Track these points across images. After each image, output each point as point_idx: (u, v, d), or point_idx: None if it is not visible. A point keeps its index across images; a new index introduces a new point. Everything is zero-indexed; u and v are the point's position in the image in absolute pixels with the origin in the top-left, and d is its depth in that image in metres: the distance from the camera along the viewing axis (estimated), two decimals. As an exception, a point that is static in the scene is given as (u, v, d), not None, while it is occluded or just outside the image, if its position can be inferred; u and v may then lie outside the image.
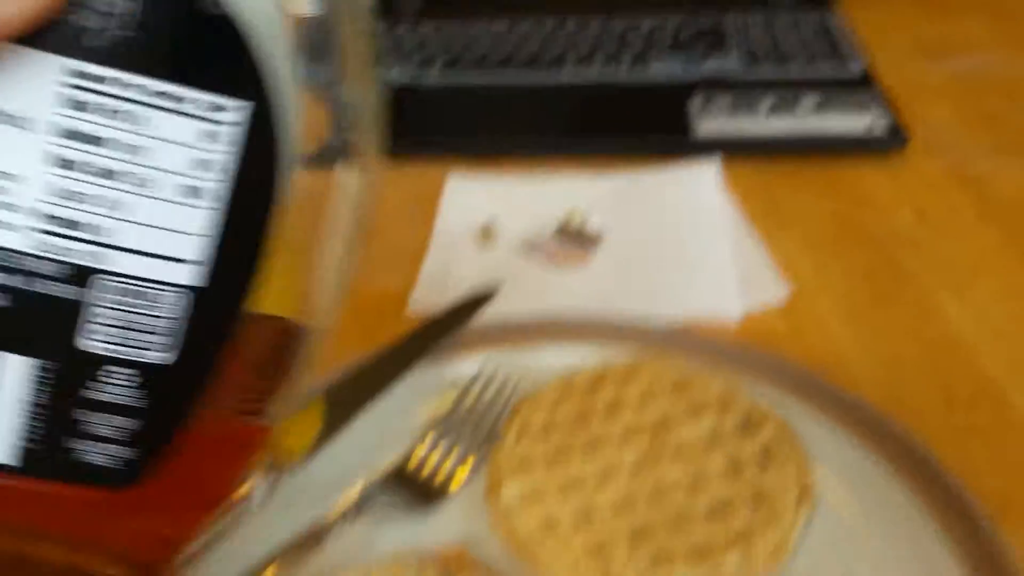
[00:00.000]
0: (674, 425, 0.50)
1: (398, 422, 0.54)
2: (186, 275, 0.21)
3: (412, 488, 0.50)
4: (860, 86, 0.91)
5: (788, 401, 0.51)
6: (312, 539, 0.44)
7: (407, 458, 0.52)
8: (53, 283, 0.20)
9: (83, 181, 0.20)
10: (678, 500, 0.46)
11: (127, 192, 0.20)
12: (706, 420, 0.50)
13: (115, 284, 0.20)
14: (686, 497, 0.46)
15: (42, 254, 0.20)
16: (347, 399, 0.53)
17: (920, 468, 0.46)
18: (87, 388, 0.20)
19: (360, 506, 0.47)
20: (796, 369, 0.53)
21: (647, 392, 0.52)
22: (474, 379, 0.56)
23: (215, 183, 0.21)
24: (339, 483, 0.49)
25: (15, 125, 0.20)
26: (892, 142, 0.83)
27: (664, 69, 0.95)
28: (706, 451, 0.48)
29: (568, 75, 0.96)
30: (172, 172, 0.20)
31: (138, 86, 0.20)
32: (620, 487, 0.46)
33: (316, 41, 0.23)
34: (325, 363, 0.61)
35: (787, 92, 0.88)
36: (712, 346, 0.56)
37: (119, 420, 0.21)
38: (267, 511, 0.47)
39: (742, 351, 0.55)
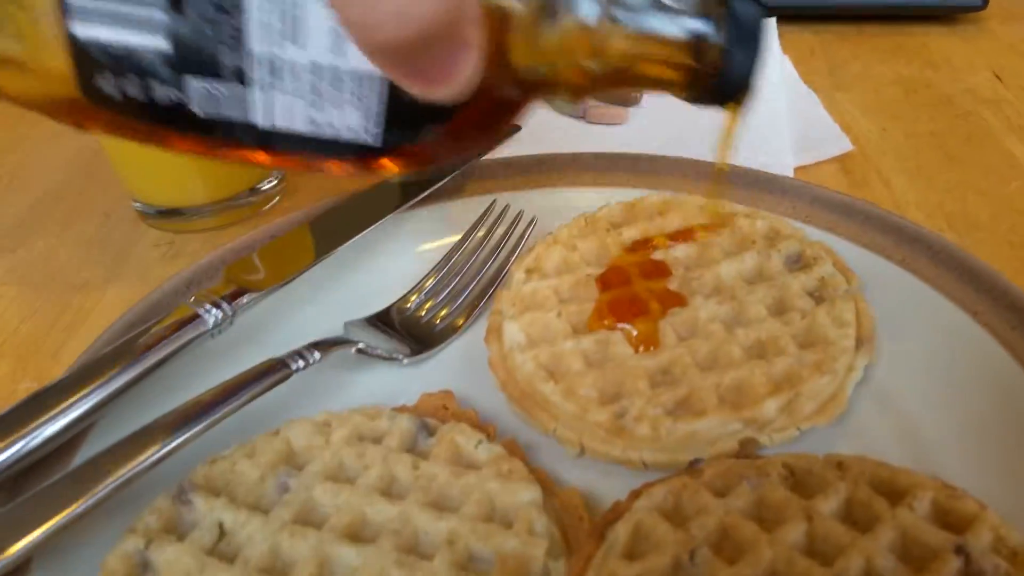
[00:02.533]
0: (711, 262, 0.42)
1: (399, 265, 0.47)
2: None
3: (405, 334, 0.43)
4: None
5: (845, 239, 0.44)
6: (268, 372, 0.37)
7: (403, 300, 0.45)
8: None
9: None
10: (711, 338, 0.38)
11: None
12: (749, 257, 0.42)
13: None
14: (721, 334, 0.38)
15: None
16: (333, 229, 0.46)
17: (1001, 306, 0.38)
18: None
19: (334, 346, 0.40)
20: (854, 202, 0.45)
21: (680, 228, 0.44)
22: (482, 218, 0.49)
23: None
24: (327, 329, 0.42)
25: None
26: (970, 5, 0.74)
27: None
28: (749, 288, 0.41)
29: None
30: None
31: None
32: (643, 326, 0.39)
33: None
34: (321, 192, 0.54)
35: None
36: (760, 181, 0.48)
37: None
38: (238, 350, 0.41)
39: (793, 185, 0.47)
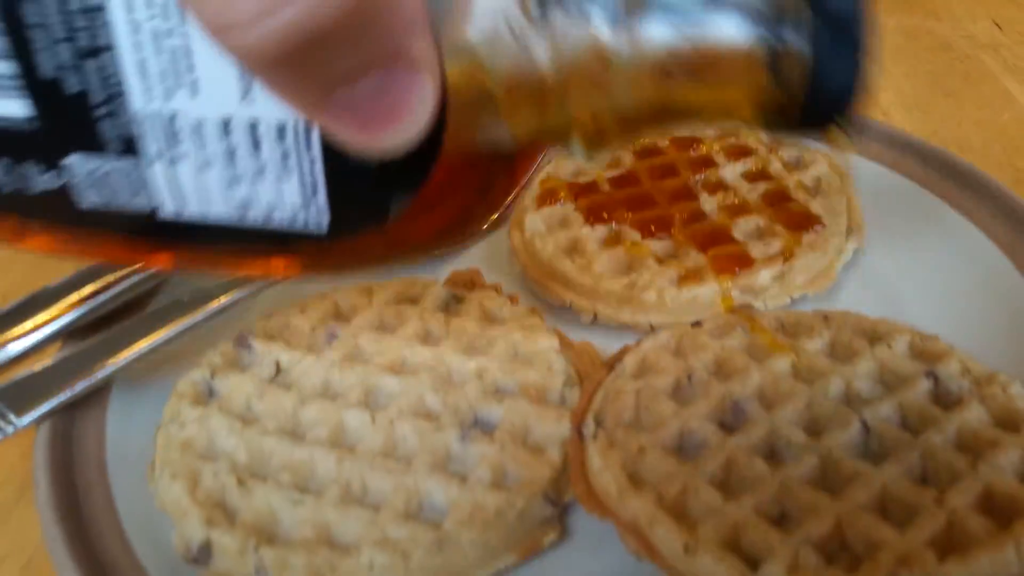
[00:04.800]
0: (714, 166, 0.46)
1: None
2: None
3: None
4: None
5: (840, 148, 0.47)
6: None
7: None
8: None
9: None
10: (715, 221, 0.42)
11: None
12: (751, 160, 0.46)
13: None
14: (724, 219, 0.42)
15: None
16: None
17: (985, 199, 0.42)
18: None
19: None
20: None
21: (686, 138, 0.48)
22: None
23: None
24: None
25: None
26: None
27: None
28: (751, 184, 0.45)
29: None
30: None
31: None
32: (652, 213, 0.43)
33: None
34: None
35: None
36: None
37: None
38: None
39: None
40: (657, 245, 0.42)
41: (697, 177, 0.45)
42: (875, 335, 0.35)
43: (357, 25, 0.15)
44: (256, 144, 0.19)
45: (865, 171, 0.46)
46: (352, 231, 0.21)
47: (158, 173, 0.20)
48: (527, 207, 0.45)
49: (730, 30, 0.20)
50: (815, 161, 0.45)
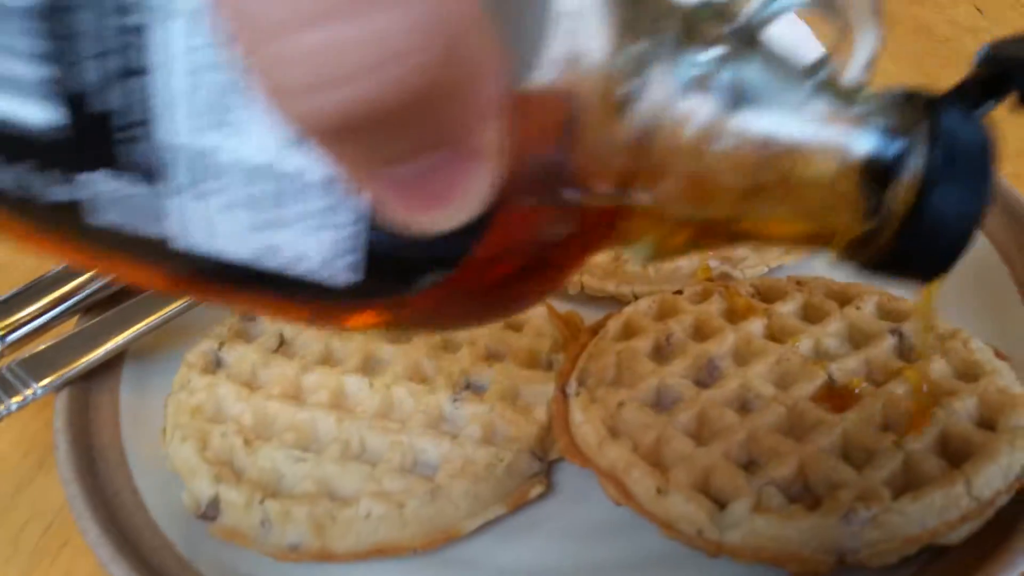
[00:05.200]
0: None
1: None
2: None
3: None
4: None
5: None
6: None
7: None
8: None
9: None
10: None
11: None
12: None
13: None
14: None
15: None
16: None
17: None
18: None
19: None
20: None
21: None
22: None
23: None
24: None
25: None
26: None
27: None
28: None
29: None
30: None
31: None
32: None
33: None
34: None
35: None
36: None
37: None
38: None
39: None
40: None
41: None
42: (845, 297, 0.36)
43: (423, 110, 0.13)
44: (295, 194, 0.18)
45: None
46: (374, 296, 0.20)
47: (178, 205, 0.18)
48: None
49: (844, 136, 0.18)
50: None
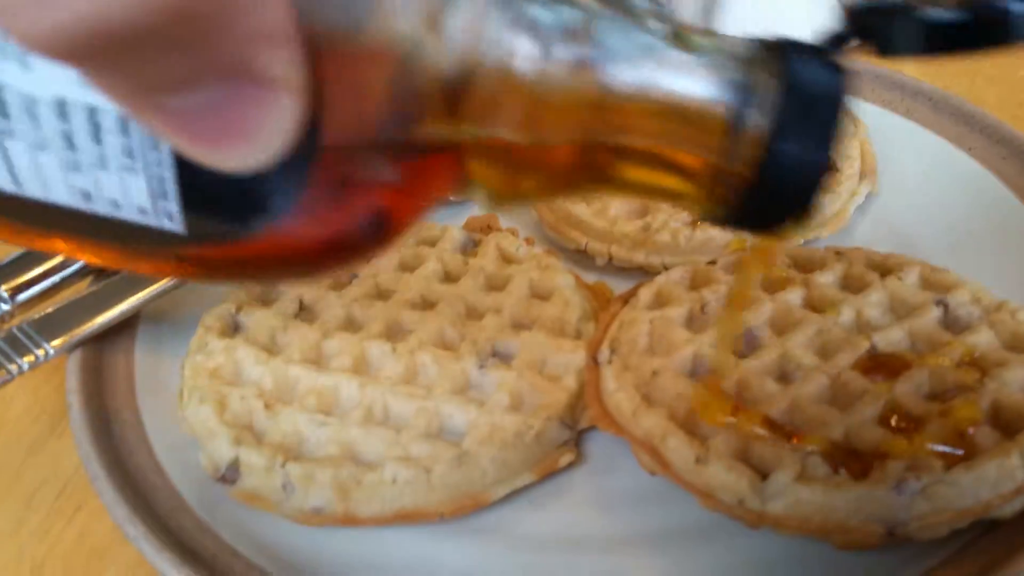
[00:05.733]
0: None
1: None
2: None
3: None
4: None
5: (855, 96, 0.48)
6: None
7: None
8: None
9: None
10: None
11: None
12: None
13: None
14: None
15: None
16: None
17: (993, 141, 0.42)
18: None
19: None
20: (862, 64, 0.50)
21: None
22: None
23: None
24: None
25: None
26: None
27: None
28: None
29: None
30: None
31: None
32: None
33: None
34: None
35: None
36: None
37: None
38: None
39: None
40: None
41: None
42: (886, 268, 0.35)
43: (181, 30, 0.12)
44: (96, 132, 0.17)
45: (878, 118, 0.46)
46: (211, 241, 0.19)
47: None
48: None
49: (685, 83, 0.17)
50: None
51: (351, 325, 0.36)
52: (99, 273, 0.38)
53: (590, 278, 0.40)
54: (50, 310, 0.35)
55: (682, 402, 0.30)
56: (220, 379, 0.33)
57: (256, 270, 0.20)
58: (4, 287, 0.36)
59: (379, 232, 0.19)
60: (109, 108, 0.17)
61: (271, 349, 0.35)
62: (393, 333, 0.35)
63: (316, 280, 0.20)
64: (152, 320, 0.37)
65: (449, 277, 0.38)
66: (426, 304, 0.37)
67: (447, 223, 0.42)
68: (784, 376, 0.31)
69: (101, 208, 0.18)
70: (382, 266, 0.38)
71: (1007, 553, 0.26)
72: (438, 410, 0.32)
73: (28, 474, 0.36)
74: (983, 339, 0.31)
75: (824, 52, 0.18)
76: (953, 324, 0.32)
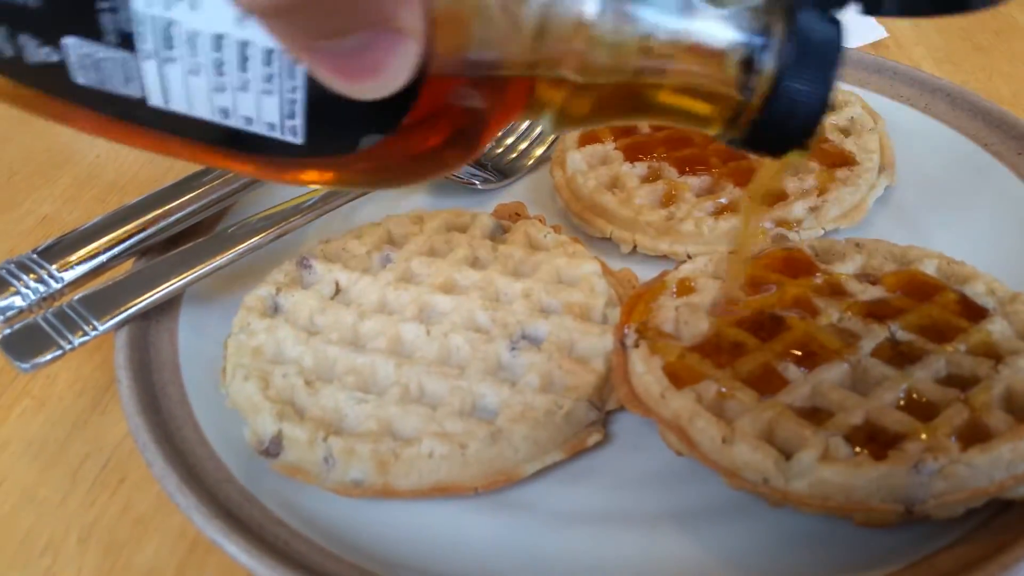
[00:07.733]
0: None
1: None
2: None
3: (480, 166, 0.49)
4: None
5: (875, 92, 0.49)
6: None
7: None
8: None
9: None
10: (752, 159, 0.44)
11: None
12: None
13: None
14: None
15: None
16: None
17: (1009, 137, 0.43)
18: None
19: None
20: (883, 60, 0.51)
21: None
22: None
23: None
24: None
25: None
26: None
27: None
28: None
29: None
30: None
31: None
32: (690, 152, 0.45)
33: None
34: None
35: None
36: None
37: None
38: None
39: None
40: (695, 181, 0.43)
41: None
42: (905, 259, 0.36)
43: None
44: (244, 62, 0.21)
45: (897, 113, 0.47)
46: (324, 154, 0.23)
47: (150, 69, 0.22)
48: (568, 147, 0.47)
49: (711, 31, 0.22)
50: (849, 103, 0.47)
51: (386, 308, 0.37)
52: (141, 255, 0.39)
53: (615, 265, 0.41)
54: (98, 288, 0.37)
55: (709, 384, 0.31)
56: (263, 357, 0.35)
57: (359, 175, 0.25)
58: (55, 265, 0.37)
59: (465, 145, 0.24)
60: (258, 43, 0.21)
61: (310, 329, 0.36)
62: (426, 316, 0.37)
63: (409, 185, 0.26)
64: (194, 302, 0.39)
65: (479, 263, 0.40)
66: (457, 288, 0.38)
67: (477, 210, 0.44)
68: (808, 360, 0.32)
69: (235, 123, 0.23)
70: (414, 251, 0.40)
71: (1021, 532, 0.27)
72: (472, 389, 0.33)
73: (73, 448, 0.37)
74: (998, 328, 0.32)
75: (826, 8, 0.22)
76: (969, 314, 0.34)
